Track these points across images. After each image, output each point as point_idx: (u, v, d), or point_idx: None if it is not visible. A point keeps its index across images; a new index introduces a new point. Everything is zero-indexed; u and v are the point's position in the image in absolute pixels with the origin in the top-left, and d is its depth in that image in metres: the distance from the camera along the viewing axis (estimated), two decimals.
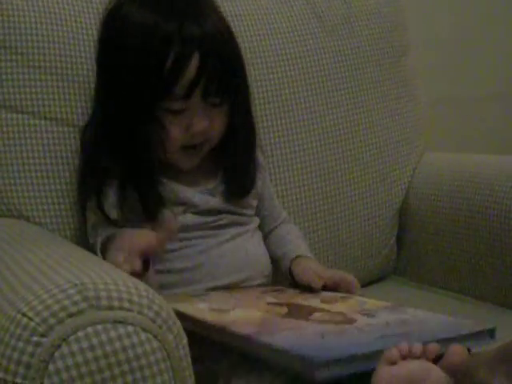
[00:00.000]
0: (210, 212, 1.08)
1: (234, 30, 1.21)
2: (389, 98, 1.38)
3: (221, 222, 1.08)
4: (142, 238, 0.93)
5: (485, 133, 2.02)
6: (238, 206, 1.11)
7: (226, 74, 1.02)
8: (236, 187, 1.10)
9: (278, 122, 1.26)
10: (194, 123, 1.02)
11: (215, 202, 1.08)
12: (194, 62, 0.98)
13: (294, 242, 1.17)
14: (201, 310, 0.93)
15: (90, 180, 1.05)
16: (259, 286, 1.09)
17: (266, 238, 1.17)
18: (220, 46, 1.03)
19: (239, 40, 1.21)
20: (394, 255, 1.40)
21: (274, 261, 1.14)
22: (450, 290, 1.30)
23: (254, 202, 1.15)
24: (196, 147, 1.06)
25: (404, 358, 0.77)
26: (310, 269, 1.08)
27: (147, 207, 1.03)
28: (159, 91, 0.99)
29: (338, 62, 1.32)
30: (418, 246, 1.37)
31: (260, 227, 1.16)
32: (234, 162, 1.10)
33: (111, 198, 1.03)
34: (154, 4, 1.02)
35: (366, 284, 1.34)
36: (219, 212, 1.08)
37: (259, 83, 1.24)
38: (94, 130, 1.07)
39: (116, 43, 1.03)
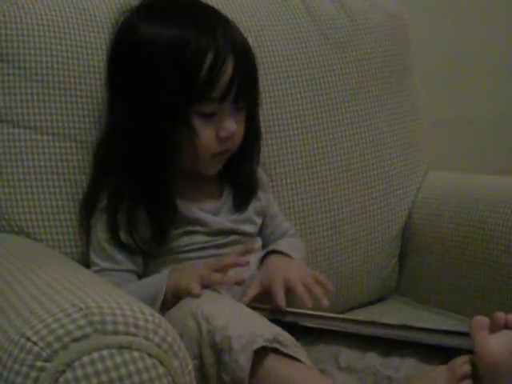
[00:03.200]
0: (219, 232, 1.07)
1: None
2: (393, 117, 1.37)
3: (225, 241, 1.08)
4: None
5: (487, 153, 2.03)
6: (242, 223, 1.10)
7: (254, 78, 1.06)
8: (240, 199, 1.11)
9: (280, 140, 1.26)
10: (225, 127, 1.02)
11: (224, 222, 1.08)
12: (230, 66, 1.00)
13: (279, 242, 1.15)
14: None
15: (100, 199, 1.04)
16: None
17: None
18: (248, 51, 1.06)
19: None
20: (395, 275, 1.39)
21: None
22: (451, 310, 1.29)
23: (258, 220, 1.14)
24: (225, 153, 1.06)
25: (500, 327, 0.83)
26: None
27: (159, 229, 1.02)
28: (196, 96, 0.99)
29: (342, 80, 1.31)
30: (420, 267, 1.36)
31: (262, 245, 1.15)
32: (240, 169, 1.11)
33: (121, 220, 1.02)
34: (173, 19, 1.02)
35: (367, 303, 1.33)
36: (226, 232, 1.08)
37: (264, 100, 1.23)
38: (108, 147, 1.06)
39: (137, 61, 1.01)
